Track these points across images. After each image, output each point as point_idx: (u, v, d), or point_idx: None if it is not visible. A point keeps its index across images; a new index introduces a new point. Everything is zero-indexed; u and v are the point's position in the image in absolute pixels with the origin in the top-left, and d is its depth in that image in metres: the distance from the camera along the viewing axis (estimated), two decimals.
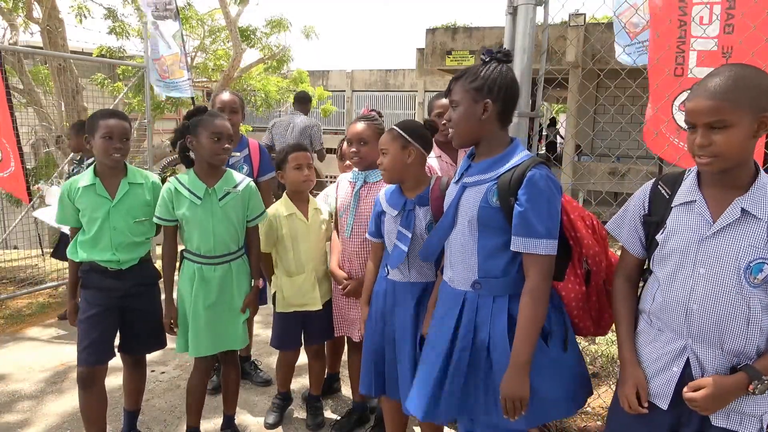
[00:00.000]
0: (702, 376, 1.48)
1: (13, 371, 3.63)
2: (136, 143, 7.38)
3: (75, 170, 4.23)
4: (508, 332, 1.70)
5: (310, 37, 9.56)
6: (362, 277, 2.54)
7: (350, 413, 2.93)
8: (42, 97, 7.68)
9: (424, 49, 12.24)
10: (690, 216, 1.51)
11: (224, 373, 2.73)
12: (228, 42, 9.46)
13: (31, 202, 4.98)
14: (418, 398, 1.83)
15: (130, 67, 8.14)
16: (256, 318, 4.38)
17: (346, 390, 3.35)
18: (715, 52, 2.17)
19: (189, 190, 2.42)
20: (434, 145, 2.61)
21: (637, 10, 2.55)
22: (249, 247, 2.61)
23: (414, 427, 2.87)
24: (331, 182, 3.27)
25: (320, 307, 2.76)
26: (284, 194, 2.80)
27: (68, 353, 3.89)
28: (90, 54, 9.33)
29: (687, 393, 1.45)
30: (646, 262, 1.69)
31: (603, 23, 9.86)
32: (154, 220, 2.48)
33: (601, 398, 2.98)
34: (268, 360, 3.69)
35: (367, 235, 2.40)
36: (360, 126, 2.54)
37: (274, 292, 2.78)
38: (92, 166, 2.48)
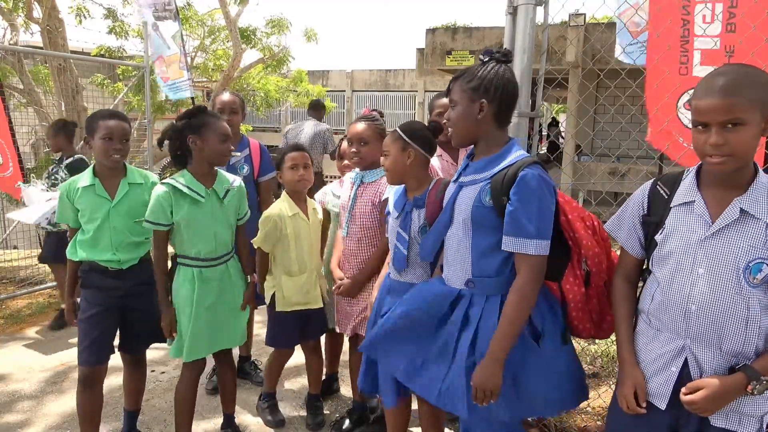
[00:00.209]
0: (700, 376, 1.48)
1: (13, 371, 3.63)
2: (136, 143, 7.38)
3: (54, 170, 4.21)
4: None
5: (311, 40, 9.57)
6: (356, 276, 2.57)
7: (350, 413, 2.93)
8: (42, 97, 7.67)
9: (424, 49, 12.24)
10: (689, 216, 1.51)
11: (221, 373, 2.74)
12: (228, 42, 9.46)
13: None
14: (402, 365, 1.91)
15: (130, 67, 8.14)
16: (256, 318, 4.39)
17: (345, 390, 3.35)
18: (717, 50, 2.17)
19: (191, 190, 2.38)
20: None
21: (637, 10, 2.55)
22: (238, 245, 2.63)
23: (413, 429, 2.86)
24: (330, 182, 3.28)
25: (321, 305, 2.81)
26: (284, 193, 2.81)
27: (68, 353, 3.89)
28: (90, 54, 9.32)
29: (685, 396, 1.45)
30: (645, 263, 1.69)
31: (603, 23, 9.87)
32: (146, 225, 2.37)
33: (601, 398, 2.98)
34: None
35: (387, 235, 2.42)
36: (360, 126, 2.56)
37: (273, 293, 2.79)
38: (91, 166, 2.47)
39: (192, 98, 5.73)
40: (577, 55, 10.22)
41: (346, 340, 3.24)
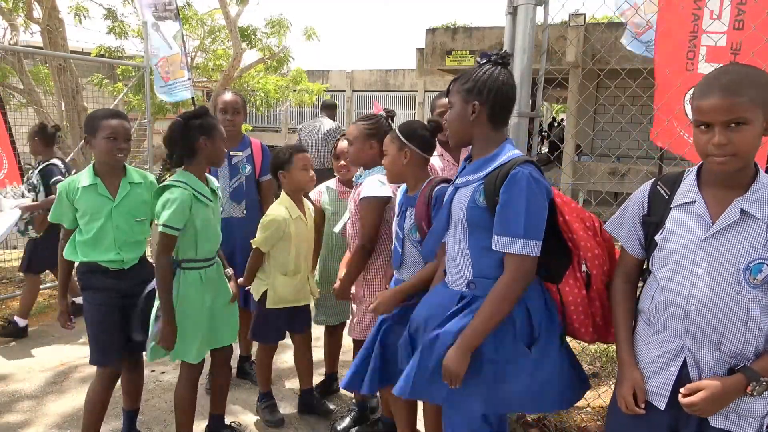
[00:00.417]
0: (699, 377, 1.48)
1: (13, 371, 3.63)
2: (136, 143, 7.38)
3: (31, 174, 4.15)
4: (493, 333, 1.70)
5: (311, 39, 9.56)
6: (342, 277, 2.57)
7: (350, 412, 2.93)
8: (42, 97, 7.68)
9: (424, 49, 12.25)
10: (689, 217, 1.50)
11: (220, 372, 2.74)
12: (228, 42, 9.46)
13: None
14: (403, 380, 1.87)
15: (130, 67, 8.14)
16: None
17: (345, 390, 3.35)
18: (723, 48, 2.13)
19: (200, 193, 2.39)
20: (437, 144, 2.62)
21: (637, 10, 2.55)
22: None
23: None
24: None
25: (310, 302, 2.89)
26: (284, 195, 2.80)
27: (68, 353, 3.89)
28: (89, 54, 9.33)
29: (684, 399, 1.44)
30: (646, 263, 1.69)
31: (603, 23, 9.86)
32: (166, 230, 2.28)
33: (601, 398, 2.99)
34: None
35: None
36: (350, 127, 2.60)
37: (264, 291, 2.79)
38: (90, 166, 2.46)
39: (192, 98, 5.74)
40: (577, 55, 10.22)
41: (344, 340, 3.26)
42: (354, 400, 2.98)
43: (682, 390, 1.46)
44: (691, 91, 2.18)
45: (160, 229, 2.29)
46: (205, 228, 2.40)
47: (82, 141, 6.55)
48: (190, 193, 2.32)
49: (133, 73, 7.88)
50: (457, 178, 1.88)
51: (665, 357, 1.54)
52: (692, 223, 1.49)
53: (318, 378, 3.34)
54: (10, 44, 7.61)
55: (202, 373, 2.66)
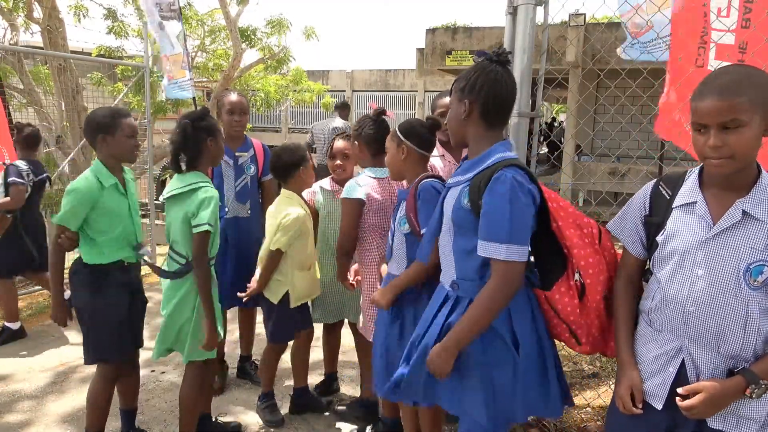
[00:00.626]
0: (697, 378, 1.48)
1: (13, 371, 3.63)
2: None
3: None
4: (487, 337, 1.69)
5: (310, 38, 9.56)
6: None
7: (359, 402, 2.94)
8: (42, 97, 7.68)
9: (424, 49, 12.24)
10: (690, 217, 1.50)
11: (212, 370, 2.78)
12: (228, 42, 9.46)
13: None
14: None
15: (130, 67, 8.14)
16: (260, 318, 4.39)
17: (345, 389, 3.35)
18: (732, 46, 2.11)
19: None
20: (437, 144, 2.64)
21: (636, 10, 2.54)
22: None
23: None
24: None
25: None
26: (290, 192, 2.81)
27: (68, 353, 3.89)
28: (90, 54, 9.32)
29: (682, 402, 1.44)
30: (648, 263, 1.68)
31: (603, 23, 9.86)
32: (210, 229, 2.32)
33: (601, 398, 2.99)
34: None
35: None
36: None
37: (287, 291, 2.79)
38: (100, 164, 2.43)
39: (193, 98, 5.75)
40: (577, 55, 10.22)
41: (343, 339, 3.26)
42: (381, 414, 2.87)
43: (679, 391, 1.46)
44: None
45: (203, 228, 2.31)
46: (218, 226, 2.48)
47: (82, 141, 6.56)
48: (215, 194, 2.39)
49: (133, 73, 7.87)
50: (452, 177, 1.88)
51: (664, 357, 1.54)
52: (693, 224, 1.49)
53: (318, 378, 3.34)
54: (10, 44, 7.61)
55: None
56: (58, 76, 6.83)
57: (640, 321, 1.66)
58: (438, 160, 2.71)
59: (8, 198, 3.89)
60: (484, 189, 1.62)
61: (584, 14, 9.69)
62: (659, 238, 1.56)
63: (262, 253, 2.81)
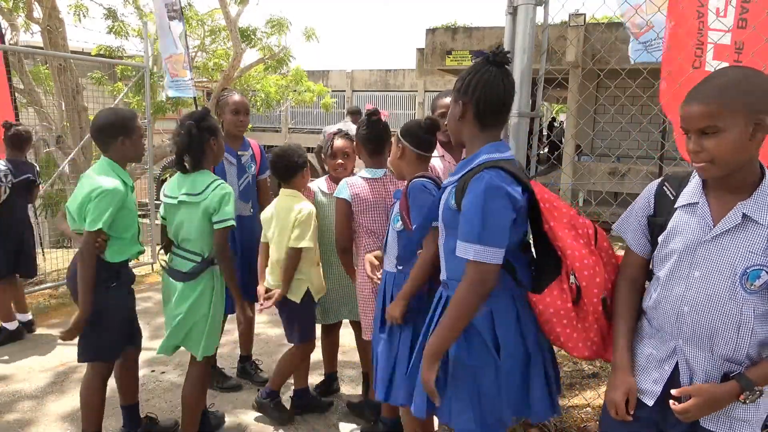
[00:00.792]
0: (690, 379, 1.48)
1: (14, 372, 3.63)
2: None
3: None
4: (469, 340, 1.70)
5: (311, 39, 9.58)
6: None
7: (366, 403, 2.94)
8: (42, 97, 7.69)
9: (424, 49, 12.23)
10: (692, 218, 1.49)
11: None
12: (228, 42, 9.47)
13: (36, 200, 4.98)
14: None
15: (130, 67, 8.15)
16: (262, 318, 4.40)
17: (345, 389, 3.35)
18: (728, 46, 2.11)
19: None
20: (438, 144, 2.64)
21: (636, 10, 2.55)
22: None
23: None
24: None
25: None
26: (293, 191, 2.81)
27: (68, 353, 3.89)
28: (90, 54, 9.33)
29: (675, 406, 1.43)
30: (650, 263, 1.67)
31: (603, 23, 9.86)
32: (233, 223, 2.43)
33: (600, 398, 2.99)
34: (269, 360, 3.69)
35: None
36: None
37: (307, 288, 2.79)
38: (115, 165, 2.44)
39: (194, 98, 5.77)
40: (577, 55, 10.23)
41: (342, 339, 3.26)
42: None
43: (673, 393, 1.45)
44: None
45: (228, 224, 2.41)
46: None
47: (82, 141, 6.57)
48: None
49: (133, 73, 7.88)
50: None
51: (660, 356, 1.54)
52: (694, 225, 1.48)
53: (318, 378, 3.34)
54: (10, 44, 7.62)
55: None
56: (58, 76, 6.85)
57: (641, 318, 1.65)
58: (438, 161, 2.71)
59: None
60: (466, 189, 1.63)
61: (584, 14, 9.69)
62: (660, 238, 1.55)
63: (274, 256, 2.79)
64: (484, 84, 1.67)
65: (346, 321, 3.11)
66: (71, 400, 3.24)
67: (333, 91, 17.98)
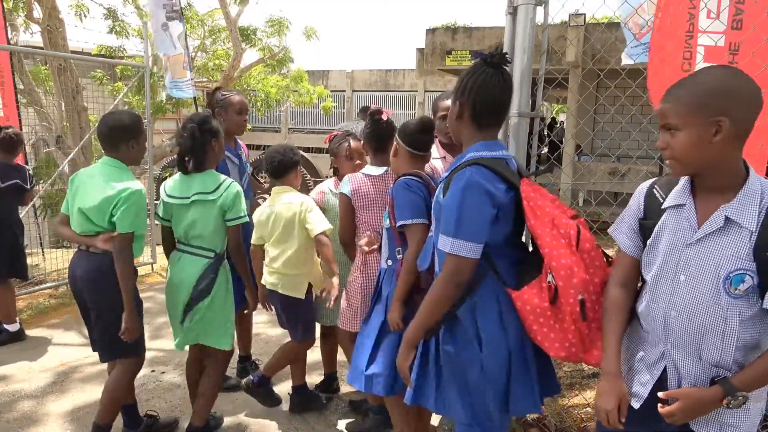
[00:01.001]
0: (678, 383, 1.47)
1: (14, 372, 3.63)
2: None
3: None
4: (456, 334, 1.73)
5: (311, 38, 9.58)
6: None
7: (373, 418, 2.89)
8: (42, 97, 7.69)
9: (424, 49, 12.23)
10: (678, 220, 1.47)
11: (194, 366, 2.86)
12: (228, 42, 9.46)
13: (31, 203, 4.98)
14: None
15: (130, 67, 8.15)
16: (262, 318, 4.40)
17: (345, 389, 3.35)
18: (721, 48, 2.09)
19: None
20: (439, 146, 2.66)
21: (636, 10, 2.54)
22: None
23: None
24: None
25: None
26: (287, 186, 2.84)
27: (68, 353, 3.89)
28: (90, 54, 9.33)
29: (662, 409, 1.43)
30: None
31: (603, 23, 9.86)
32: (241, 221, 2.58)
33: None
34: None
35: None
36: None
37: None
38: (124, 166, 2.48)
39: (194, 98, 5.77)
40: (577, 55, 10.22)
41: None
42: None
43: (660, 395, 1.45)
44: None
45: (242, 220, 2.58)
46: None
47: (82, 141, 6.57)
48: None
49: (133, 73, 7.88)
50: None
51: (649, 359, 1.53)
52: (679, 227, 1.46)
53: (318, 378, 3.34)
54: (10, 44, 7.62)
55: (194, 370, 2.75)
56: (58, 76, 6.85)
57: (634, 321, 1.63)
58: (440, 162, 2.71)
59: None
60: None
61: (584, 14, 9.67)
62: (648, 241, 1.53)
63: (274, 253, 2.79)
64: (480, 85, 1.70)
65: None
66: (71, 400, 3.24)
67: (333, 91, 17.97)
